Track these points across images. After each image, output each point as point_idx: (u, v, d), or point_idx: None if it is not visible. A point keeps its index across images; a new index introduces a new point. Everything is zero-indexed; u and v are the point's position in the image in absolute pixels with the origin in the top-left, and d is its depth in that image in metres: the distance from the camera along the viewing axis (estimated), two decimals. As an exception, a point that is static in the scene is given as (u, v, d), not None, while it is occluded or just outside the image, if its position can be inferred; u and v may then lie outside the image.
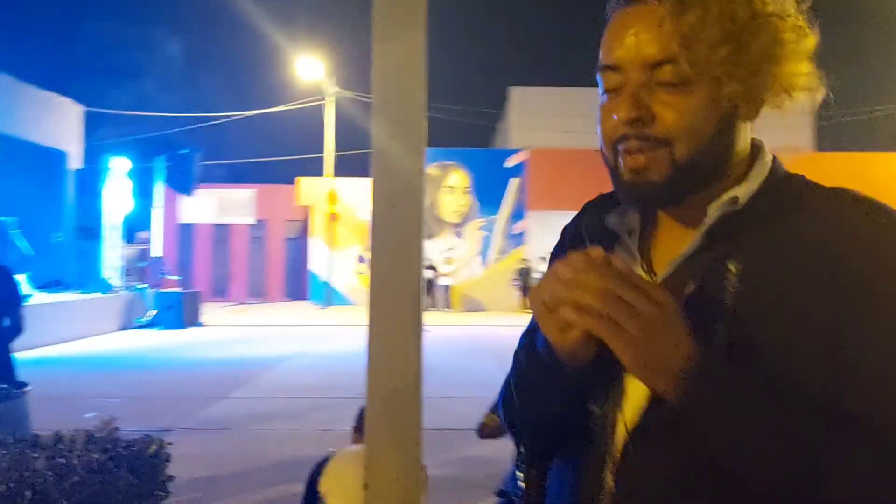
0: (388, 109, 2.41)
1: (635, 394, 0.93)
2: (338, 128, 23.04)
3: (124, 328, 15.67)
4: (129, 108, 23.00)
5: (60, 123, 18.81)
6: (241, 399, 8.57)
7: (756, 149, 0.99)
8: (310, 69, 22.19)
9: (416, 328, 2.53)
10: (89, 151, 20.45)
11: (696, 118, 0.91)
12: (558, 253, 1.13)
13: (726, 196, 0.93)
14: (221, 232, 24.69)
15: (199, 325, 16.78)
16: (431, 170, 21.20)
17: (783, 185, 0.96)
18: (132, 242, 18.66)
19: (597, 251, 0.86)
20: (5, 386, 3.83)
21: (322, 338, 15.02)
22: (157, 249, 17.56)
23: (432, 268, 20.85)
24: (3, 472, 2.47)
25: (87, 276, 16.42)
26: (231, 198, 24.43)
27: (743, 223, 0.92)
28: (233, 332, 16.15)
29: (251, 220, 24.65)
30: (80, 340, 13.49)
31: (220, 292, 24.40)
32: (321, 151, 22.45)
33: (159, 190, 17.47)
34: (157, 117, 23.16)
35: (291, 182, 23.40)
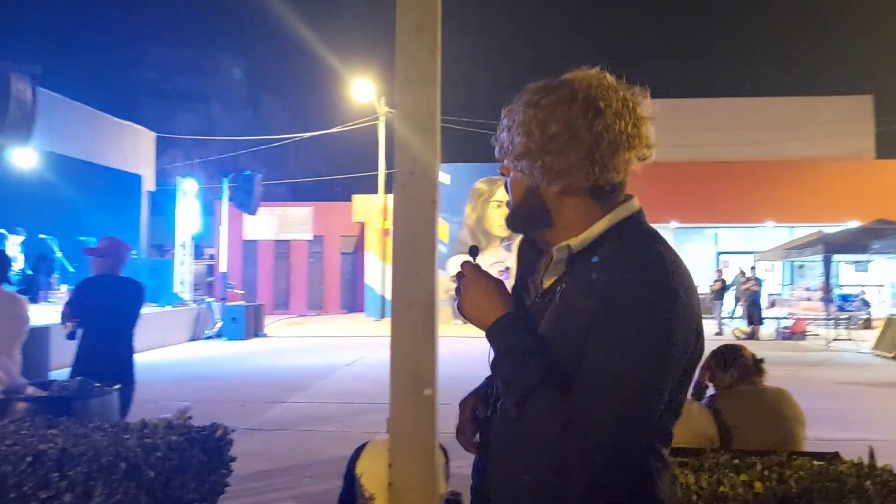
0: (408, 150, 3.01)
1: None
2: (389, 146, 23.71)
3: (193, 339, 16.43)
4: (196, 133, 24.32)
5: (135, 149, 19.85)
6: (297, 403, 9.15)
7: (601, 214, 1.38)
8: (363, 91, 22.66)
9: (431, 334, 3.10)
10: (160, 174, 21.71)
11: (512, 186, 1.46)
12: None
13: (563, 243, 1.38)
14: (282, 248, 25.55)
15: (262, 336, 17.50)
16: (479, 185, 21.64)
17: (609, 238, 1.36)
18: (200, 259, 19.59)
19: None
20: (99, 385, 4.59)
21: (375, 347, 15.68)
22: (222, 265, 18.48)
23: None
24: (103, 448, 3.14)
25: (160, 291, 17.13)
26: (290, 215, 25.31)
27: (574, 260, 1.37)
28: (293, 342, 16.81)
29: (309, 236, 25.43)
30: (154, 350, 14.24)
31: (282, 305, 25.21)
32: (375, 169, 23.15)
33: (224, 209, 18.43)
34: (222, 141, 24.42)
35: (347, 199, 24.20)
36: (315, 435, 7.51)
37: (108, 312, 5.32)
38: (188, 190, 17.84)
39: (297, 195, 28.54)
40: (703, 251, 22.90)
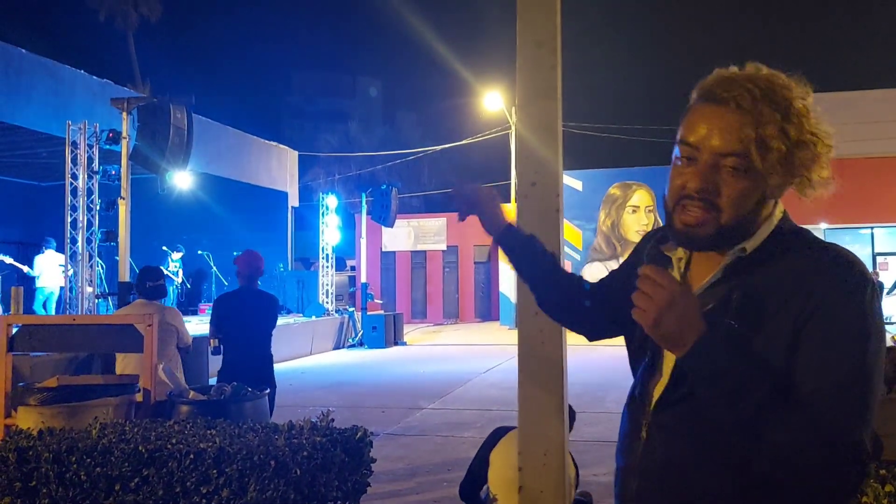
0: (529, 161, 3.06)
1: (664, 378, 1.39)
2: (522, 155, 23.53)
3: (337, 347, 16.98)
4: (335, 150, 25.45)
5: (280, 168, 21.06)
6: (436, 410, 9.35)
7: (770, 211, 1.35)
8: (494, 101, 22.74)
9: (558, 341, 3.14)
10: (303, 191, 22.89)
11: (745, 196, 1.30)
12: (631, 261, 1.58)
13: (738, 246, 1.31)
14: (418, 258, 26.08)
15: (402, 344, 17.86)
16: (613, 190, 21.26)
17: (781, 239, 1.33)
18: (342, 270, 20.36)
19: (649, 268, 1.26)
20: (250, 389, 4.94)
21: (510, 355, 15.67)
22: (362, 276, 19.13)
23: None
24: (255, 447, 3.40)
25: (306, 302, 17.97)
26: (425, 226, 25.83)
27: (748, 264, 1.31)
28: (430, 350, 17.12)
29: (444, 247, 25.80)
30: (302, 358, 14.90)
31: (419, 314, 25.69)
32: (506, 179, 23.23)
33: (363, 222, 19.11)
34: (360, 157, 25.40)
35: (480, 209, 24.46)
36: (453, 440, 7.65)
37: (244, 325, 5.64)
38: (329, 205, 18.65)
39: (432, 206, 29.16)
40: (857, 253, 21.31)
